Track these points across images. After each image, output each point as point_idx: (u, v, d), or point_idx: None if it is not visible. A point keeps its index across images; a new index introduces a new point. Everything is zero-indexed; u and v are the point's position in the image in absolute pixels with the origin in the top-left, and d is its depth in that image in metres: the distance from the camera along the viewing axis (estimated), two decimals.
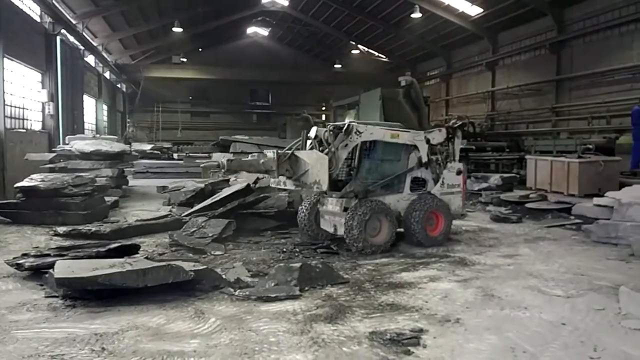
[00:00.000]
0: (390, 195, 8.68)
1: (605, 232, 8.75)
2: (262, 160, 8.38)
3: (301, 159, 7.97)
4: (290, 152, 8.09)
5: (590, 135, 21.00)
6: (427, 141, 8.91)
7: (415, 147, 8.83)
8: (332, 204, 8.55)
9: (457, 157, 9.27)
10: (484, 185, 14.98)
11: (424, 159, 8.86)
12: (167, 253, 7.92)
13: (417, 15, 27.75)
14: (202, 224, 8.77)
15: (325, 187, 7.68)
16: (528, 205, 11.97)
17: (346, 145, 8.11)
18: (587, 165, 11.81)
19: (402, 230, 8.61)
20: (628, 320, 4.92)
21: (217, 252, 7.85)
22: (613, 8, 20.77)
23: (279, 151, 8.16)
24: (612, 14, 20.85)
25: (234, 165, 9.23)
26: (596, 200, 9.84)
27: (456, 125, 9.30)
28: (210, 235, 8.43)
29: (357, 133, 8.20)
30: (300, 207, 9.31)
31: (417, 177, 8.96)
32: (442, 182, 9.03)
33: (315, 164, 7.72)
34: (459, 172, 9.17)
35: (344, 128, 8.10)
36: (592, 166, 11.81)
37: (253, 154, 11.01)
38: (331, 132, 8.01)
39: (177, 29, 31.26)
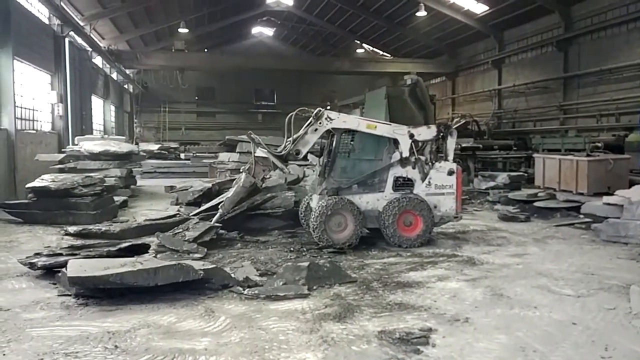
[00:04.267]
0: (370, 194, 8.65)
1: (615, 230, 8.71)
2: (240, 184, 8.83)
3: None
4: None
5: (599, 133, 20.85)
6: (411, 136, 8.65)
7: (397, 143, 8.66)
8: (313, 202, 8.92)
9: (450, 157, 8.88)
10: (492, 184, 14.94)
11: (405, 154, 8.62)
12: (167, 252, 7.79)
13: (422, 13, 27.66)
14: (187, 227, 8.54)
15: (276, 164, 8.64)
16: (536, 204, 11.93)
17: (316, 130, 8.52)
18: (596, 163, 11.75)
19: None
20: (639, 320, 4.91)
21: (196, 255, 7.53)
22: (621, 5, 20.62)
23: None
24: (620, 10, 20.70)
25: (227, 205, 9.03)
26: (606, 199, 9.80)
27: (450, 123, 9.11)
28: (190, 238, 8.08)
29: (328, 119, 8.50)
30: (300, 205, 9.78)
31: (402, 177, 8.71)
32: (429, 182, 8.72)
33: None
34: (450, 173, 8.77)
35: (314, 113, 8.49)
36: (601, 164, 11.75)
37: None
38: (296, 115, 8.60)
39: (183, 30, 31.33)
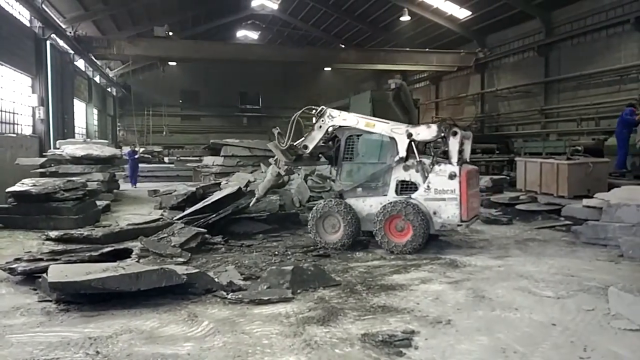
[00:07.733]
0: (374, 197, 8.64)
1: (595, 233, 8.83)
2: (269, 173, 9.42)
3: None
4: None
5: (579, 137, 21.19)
6: (409, 135, 8.46)
7: (395, 143, 8.53)
8: None
9: (453, 160, 8.34)
10: None
11: (402, 154, 8.42)
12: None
13: (405, 18, 27.90)
14: (172, 232, 8.45)
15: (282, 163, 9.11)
16: (518, 206, 12.06)
17: (320, 126, 9.01)
18: (576, 166, 11.92)
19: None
20: (617, 321, 5.00)
21: (180, 259, 7.43)
22: (600, 11, 21.00)
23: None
24: (600, 16, 21.08)
25: (261, 190, 9.57)
26: (585, 202, 9.95)
27: (451, 123, 8.72)
28: (176, 243, 8.01)
29: (330, 117, 8.92)
30: None
31: (406, 181, 8.49)
32: (428, 186, 8.32)
33: None
34: (451, 176, 8.20)
35: (317, 111, 9.03)
36: (581, 168, 11.92)
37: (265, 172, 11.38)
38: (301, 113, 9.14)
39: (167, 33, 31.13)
